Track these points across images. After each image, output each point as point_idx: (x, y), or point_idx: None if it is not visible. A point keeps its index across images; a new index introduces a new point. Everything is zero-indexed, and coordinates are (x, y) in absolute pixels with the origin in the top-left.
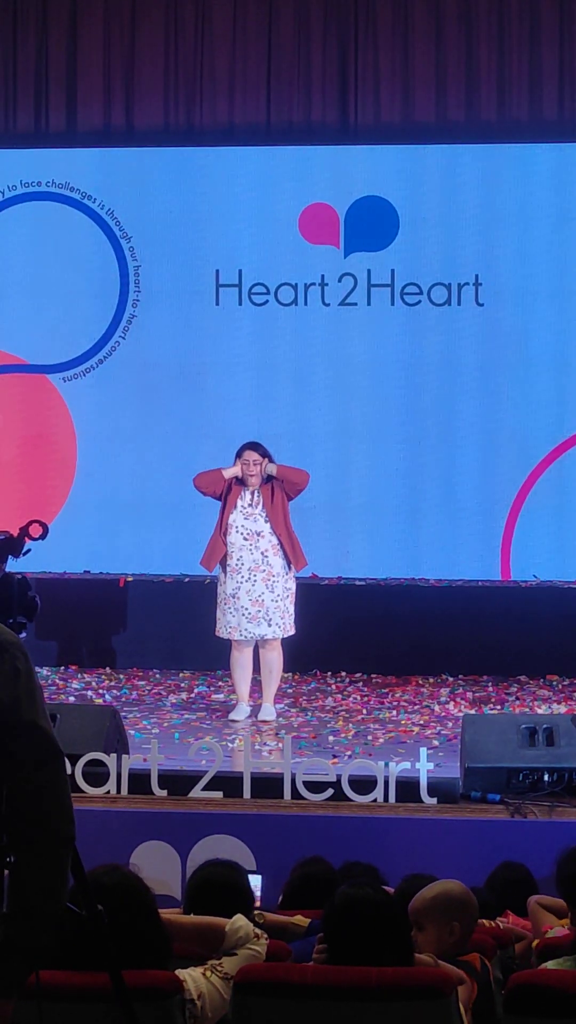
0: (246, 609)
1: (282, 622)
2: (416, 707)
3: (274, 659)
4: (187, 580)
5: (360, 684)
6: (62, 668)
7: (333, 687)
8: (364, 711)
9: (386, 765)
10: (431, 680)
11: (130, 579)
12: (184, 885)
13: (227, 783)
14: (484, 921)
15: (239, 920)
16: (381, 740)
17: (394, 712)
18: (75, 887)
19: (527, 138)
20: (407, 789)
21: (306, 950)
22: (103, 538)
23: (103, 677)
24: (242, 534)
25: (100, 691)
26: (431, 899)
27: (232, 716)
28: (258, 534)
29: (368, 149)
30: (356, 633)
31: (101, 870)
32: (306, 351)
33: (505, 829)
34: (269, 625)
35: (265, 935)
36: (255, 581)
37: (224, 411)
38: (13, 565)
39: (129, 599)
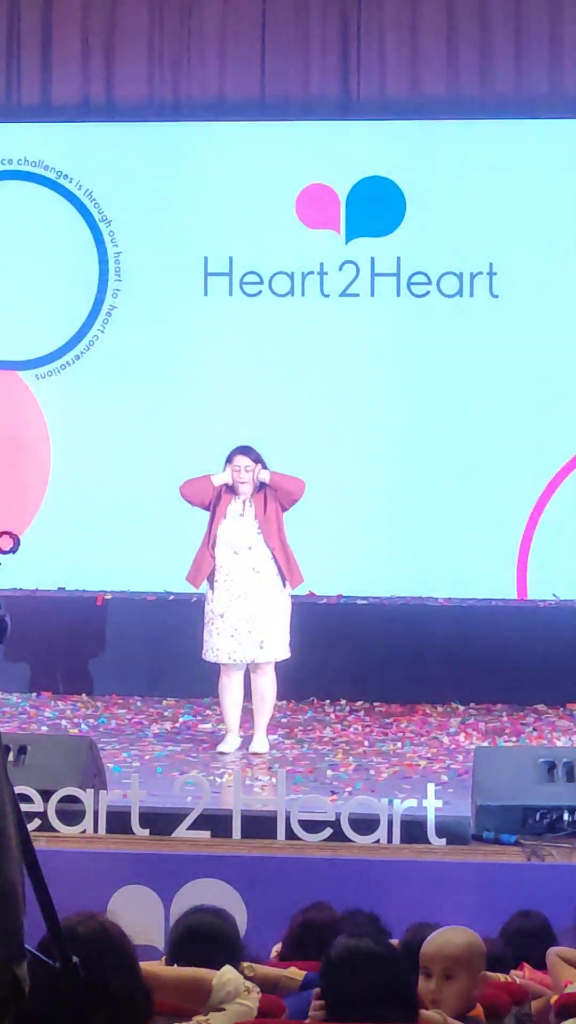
0: (236, 630)
1: (276, 644)
2: (423, 739)
3: (267, 685)
4: (172, 598)
5: (362, 713)
6: (34, 695)
7: (332, 716)
8: (366, 743)
9: (390, 802)
10: (439, 709)
11: (109, 597)
12: (167, 934)
13: (215, 822)
14: (499, 975)
15: (227, 973)
16: (385, 775)
17: (399, 744)
18: (47, 937)
19: (547, 113)
20: (413, 829)
21: (302, 1005)
22: (79, 552)
23: (79, 705)
24: (232, 547)
25: (76, 720)
26: (465, 946)
27: (221, 748)
28: (249, 547)
29: (372, 125)
30: (357, 657)
31: (76, 919)
32: (303, 346)
33: (521, 873)
34: (261, 648)
35: (256, 989)
36: (246, 599)
37: (213, 412)
38: None
39: (108, 619)
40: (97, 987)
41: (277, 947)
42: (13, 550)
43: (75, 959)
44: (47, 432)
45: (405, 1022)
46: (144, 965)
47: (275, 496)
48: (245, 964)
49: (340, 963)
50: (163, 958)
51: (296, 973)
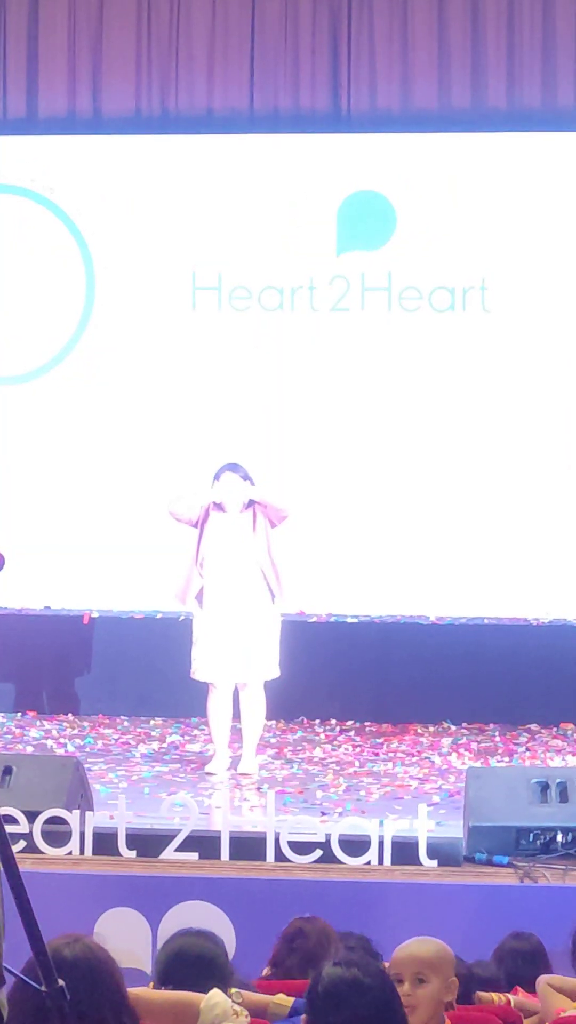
0: (225, 648)
1: (265, 663)
2: (414, 759)
3: (256, 705)
4: (159, 616)
5: (352, 733)
6: (19, 715)
7: (322, 736)
8: (356, 763)
9: (381, 824)
10: (431, 729)
11: (95, 615)
12: (154, 957)
13: (203, 843)
14: (493, 996)
15: (215, 996)
16: (375, 796)
17: (390, 764)
18: (32, 960)
19: (538, 126)
20: (404, 851)
21: None
22: (65, 570)
23: (65, 725)
24: (220, 565)
25: (61, 740)
26: (436, 951)
27: (209, 768)
28: (238, 565)
29: (363, 138)
30: (348, 676)
31: (61, 941)
32: (292, 361)
33: (513, 895)
34: (250, 666)
35: (245, 1013)
36: (235, 617)
37: (202, 428)
38: None
39: (94, 638)
40: (83, 1011)
41: (267, 970)
42: None
43: (61, 982)
44: (31, 448)
45: None
46: (131, 990)
47: (264, 513)
48: (233, 990)
49: (327, 995)
50: (150, 981)
51: (284, 1000)
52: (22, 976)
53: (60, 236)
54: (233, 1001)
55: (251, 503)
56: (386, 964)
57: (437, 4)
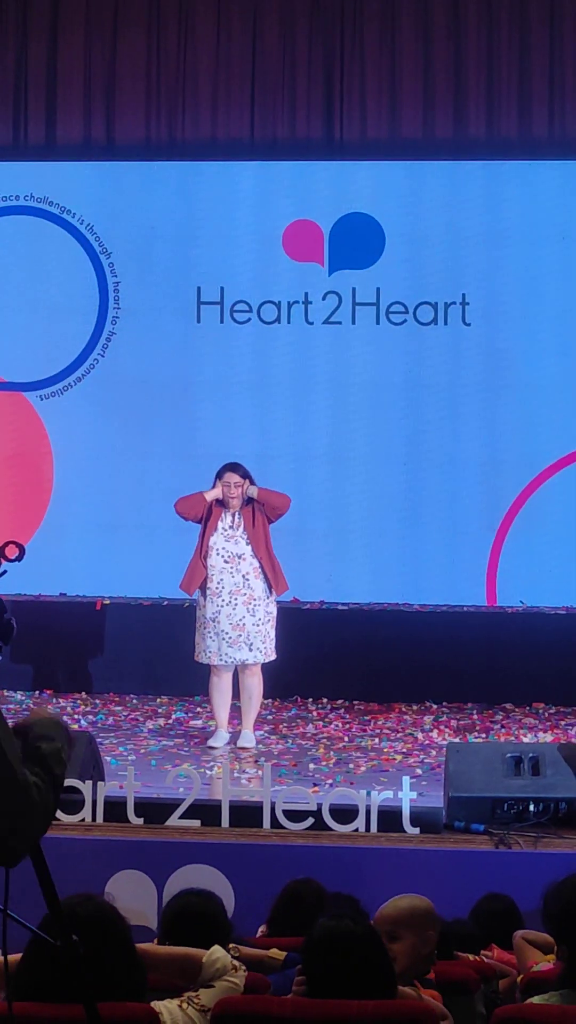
0: (226, 633)
1: (263, 647)
2: (399, 735)
3: (254, 685)
4: (165, 603)
5: (342, 711)
6: (37, 693)
7: (314, 714)
8: (346, 739)
9: (368, 794)
10: (414, 707)
11: (107, 602)
12: (160, 915)
13: (205, 811)
14: (468, 955)
15: (216, 951)
16: (363, 768)
17: (376, 740)
18: (48, 917)
19: (516, 155)
20: (389, 819)
21: (285, 983)
22: (80, 560)
23: (79, 702)
24: (223, 557)
25: (76, 716)
26: (406, 908)
27: (211, 743)
28: (239, 557)
29: (354, 165)
30: (338, 659)
31: (75, 900)
32: (289, 370)
33: (489, 860)
34: (250, 650)
35: (243, 967)
36: (236, 605)
37: (205, 431)
38: None
39: (106, 622)
40: (95, 963)
41: (263, 928)
42: (19, 558)
43: (75, 937)
44: (50, 449)
45: (383, 997)
46: (139, 945)
47: (262, 510)
48: (231, 945)
49: (320, 944)
50: (156, 937)
51: (278, 953)
52: (38, 931)
53: (74, 254)
54: (231, 954)
55: (250, 500)
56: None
57: (423, 44)
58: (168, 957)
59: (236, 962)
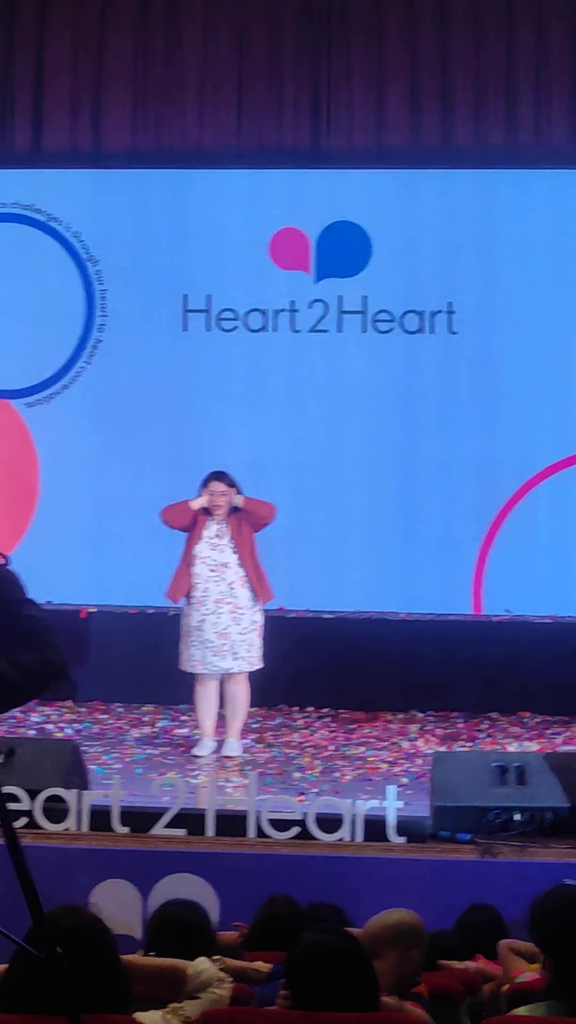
0: (211, 642)
1: (248, 656)
2: (384, 744)
3: (240, 693)
4: (151, 612)
5: (328, 719)
6: None
7: (300, 722)
8: (331, 747)
9: (353, 803)
10: (400, 716)
11: (92, 610)
12: (145, 924)
13: (190, 820)
14: (453, 964)
15: (202, 963)
16: (348, 777)
17: (362, 749)
18: (33, 929)
19: (502, 164)
20: (375, 828)
21: (269, 995)
22: (65, 568)
23: (64, 710)
24: (208, 565)
25: (60, 725)
26: (391, 927)
27: (196, 751)
28: (224, 565)
29: (340, 173)
30: (324, 667)
31: (60, 911)
32: (275, 378)
33: (475, 870)
34: (235, 659)
35: (229, 978)
36: (221, 613)
37: (191, 439)
38: None
39: (91, 631)
40: (80, 976)
41: (240, 928)
42: (3, 566)
43: (59, 950)
44: (36, 457)
45: (366, 1010)
46: (123, 956)
47: (247, 519)
48: (216, 957)
49: (304, 957)
50: (142, 946)
51: (263, 966)
52: (22, 943)
53: (61, 261)
54: (217, 967)
55: (236, 509)
56: (357, 931)
57: (410, 51)
58: (153, 968)
59: (222, 973)
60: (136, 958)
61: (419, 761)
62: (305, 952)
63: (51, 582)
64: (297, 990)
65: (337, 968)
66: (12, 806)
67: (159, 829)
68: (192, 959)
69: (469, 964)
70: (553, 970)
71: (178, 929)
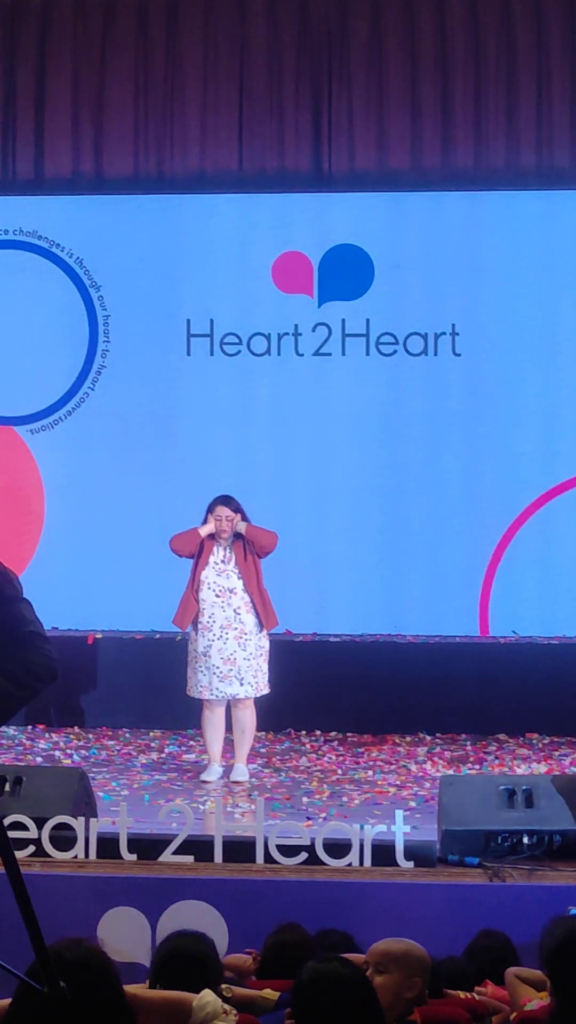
0: (217, 668)
1: (255, 681)
2: (392, 767)
3: (247, 718)
4: (158, 637)
5: (335, 743)
6: (29, 727)
7: (307, 746)
8: (339, 771)
9: (361, 828)
10: (408, 739)
11: (99, 636)
12: (154, 951)
13: (198, 847)
14: (459, 993)
15: (206, 996)
16: (357, 801)
17: (370, 772)
18: (35, 962)
19: (504, 186)
20: (383, 853)
21: None
22: (72, 594)
23: (71, 737)
24: (214, 591)
25: (68, 751)
26: (403, 950)
27: (204, 777)
28: (231, 591)
29: (342, 197)
30: (331, 691)
31: (63, 944)
32: (280, 402)
33: (484, 894)
34: (241, 684)
35: (234, 1011)
36: (227, 639)
37: (196, 464)
38: None
39: (98, 656)
40: (82, 1009)
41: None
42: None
43: (62, 984)
44: (41, 483)
45: None
46: (128, 988)
47: (250, 547)
48: (223, 986)
49: (309, 986)
50: (147, 980)
51: (271, 994)
52: (24, 977)
53: (64, 287)
54: (224, 996)
55: (240, 535)
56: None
57: (410, 78)
58: (158, 1002)
59: (226, 1006)
60: (140, 991)
61: (427, 784)
62: (310, 981)
63: (58, 608)
64: (302, 1019)
65: (342, 997)
66: (20, 835)
67: (167, 856)
68: (198, 991)
69: (478, 990)
70: (559, 999)
71: (184, 961)
